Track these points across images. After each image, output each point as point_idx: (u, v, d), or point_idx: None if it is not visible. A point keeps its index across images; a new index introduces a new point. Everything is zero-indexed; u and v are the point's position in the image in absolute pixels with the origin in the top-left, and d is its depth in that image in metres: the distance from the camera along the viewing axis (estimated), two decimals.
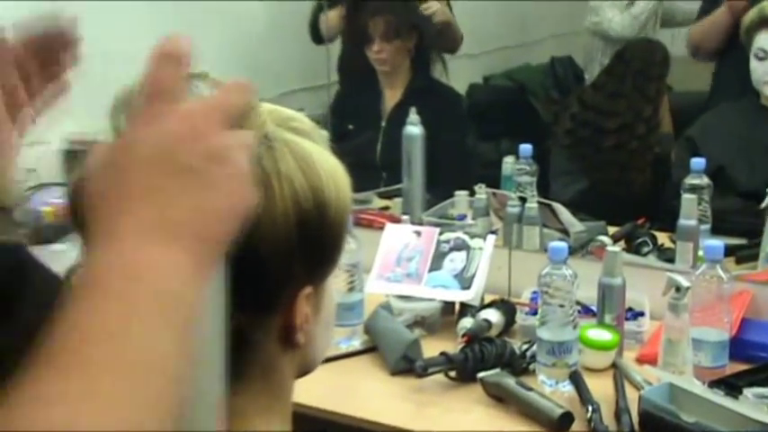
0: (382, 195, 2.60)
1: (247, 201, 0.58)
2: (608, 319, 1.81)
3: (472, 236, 2.07)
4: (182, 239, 0.55)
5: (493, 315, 1.93)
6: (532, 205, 2.26)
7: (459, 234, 2.08)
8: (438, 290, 2.01)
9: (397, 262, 2.06)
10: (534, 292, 2.05)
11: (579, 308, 1.90)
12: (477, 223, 2.37)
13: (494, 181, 2.51)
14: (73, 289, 0.53)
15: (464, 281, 2.01)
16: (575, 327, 1.70)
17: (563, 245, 1.71)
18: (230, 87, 0.60)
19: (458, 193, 2.51)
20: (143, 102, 0.58)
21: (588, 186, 2.64)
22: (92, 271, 0.54)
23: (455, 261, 2.04)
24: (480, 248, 2.04)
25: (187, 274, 0.55)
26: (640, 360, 1.82)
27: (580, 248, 2.24)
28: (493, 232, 2.25)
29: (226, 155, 0.57)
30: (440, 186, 2.54)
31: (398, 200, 2.49)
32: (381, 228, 2.15)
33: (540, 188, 2.38)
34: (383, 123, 2.80)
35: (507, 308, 1.98)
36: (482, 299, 2.02)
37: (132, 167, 0.56)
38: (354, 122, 2.79)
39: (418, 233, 2.11)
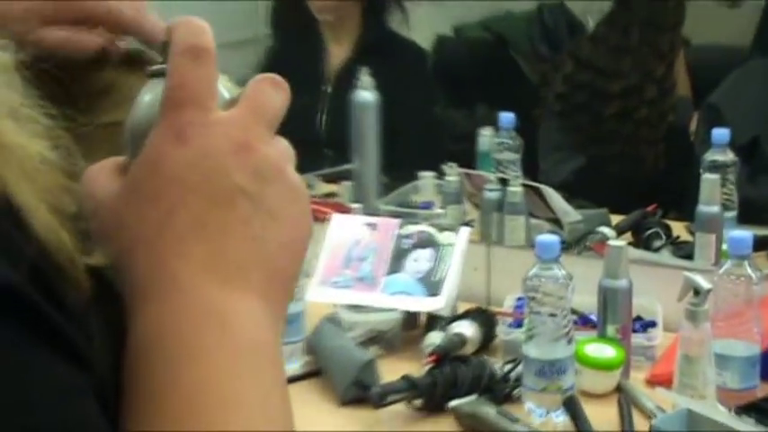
0: (327, 178, 2.61)
1: (309, 223, 0.62)
2: (611, 331, 1.83)
3: (441, 229, 2.09)
4: (248, 280, 0.58)
5: (467, 328, 1.94)
6: (516, 189, 2.28)
7: (425, 227, 2.09)
8: (398, 297, 2.02)
9: (345, 263, 2.07)
10: (519, 299, 2.06)
11: (575, 318, 1.92)
12: (447, 213, 2.39)
13: (468, 159, 2.53)
14: (145, 341, 0.56)
15: (431, 286, 2.02)
16: (570, 341, 1.71)
17: (554, 239, 1.72)
18: (262, 84, 0.62)
19: (422, 174, 2.52)
20: (167, 112, 0.58)
21: (586, 165, 2.67)
22: (168, 324, 0.56)
23: (420, 261, 2.05)
24: (451, 245, 2.05)
25: (265, 320, 0.58)
26: (651, 381, 1.85)
27: (576, 243, 2.27)
28: (467, 224, 2.27)
29: (277, 170, 0.60)
30: (399, 167, 2.54)
31: (347, 184, 2.49)
32: (326, 220, 2.15)
33: (525, 167, 2.40)
34: (327, 88, 2.80)
35: (485, 319, 1.99)
36: (454, 308, 2.03)
37: (170, 198, 0.57)
38: (291, 87, 2.79)
39: (372, 226, 2.11)
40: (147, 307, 0.56)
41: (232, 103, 0.61)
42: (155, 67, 0.62)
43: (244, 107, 0.60)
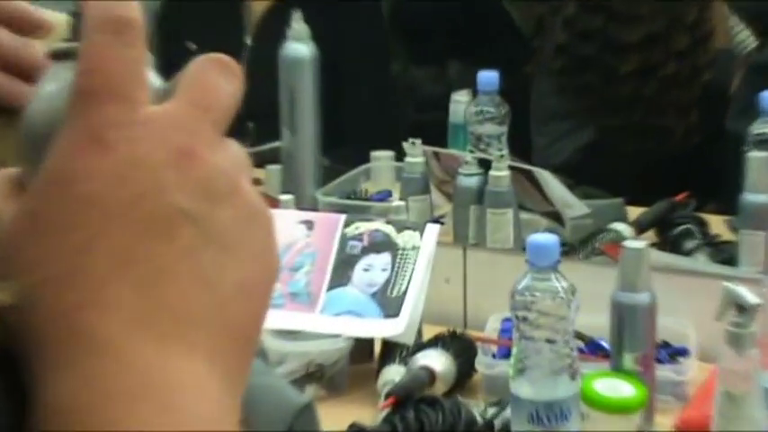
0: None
1: (275, 255, 0.61)
2: (628, 361, 1.85)
3: (401, 227, 2.09)
4: (193, 336, 0.57)
5: (437, 360, 1.95)
6: (502, 174, 2.29)
7: (379, 225, 2.10)
8: (344, 319, 2.03)
9: None
10: (506, 320, 2.07)
11: (581, 344, 1.94)
12: (409, 206, 2.38)
13: (436, 133, 2.55)
14: (58, 418, 0.54)
15: (388, 303, 2.03)
16: (573, 376, 1.72)
17: (552, 239, 1.72)
18: (207, 67, 0.61)
19: (376, 155, 2.55)
20: (80, 108, 0.57)
21: (595, 140, 2.69)
22: (86, 396, 0.55)
23: (372, 270, 2.06)
24: (414, 248, 2.06)
25: (216, 390, 0.58)
26: (682, 428, 1.86)
27: (582, 245, 2.29)
28: (436, 221, 2.29)
29: (231, 185, 0.59)
30: (345, 145, 2.59)
31: (274, 168, 2.51)
32: None
33: (513, 144, 2.42)
34: (247, 40, 2.82)
35: (461, 347, 2.00)
36: (419, 333, 2.03)
37: (87, 225, 0.55)
38: (198, 39, 2.78)
39: (309, 225, 2.12)
40: (60, 372, 0.55)
41: (166, 94, 0.60)
42: (59, 46, 0.60)
43: (184, 100, 0.59)
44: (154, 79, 0.60)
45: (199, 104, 0.59)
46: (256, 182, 2.50)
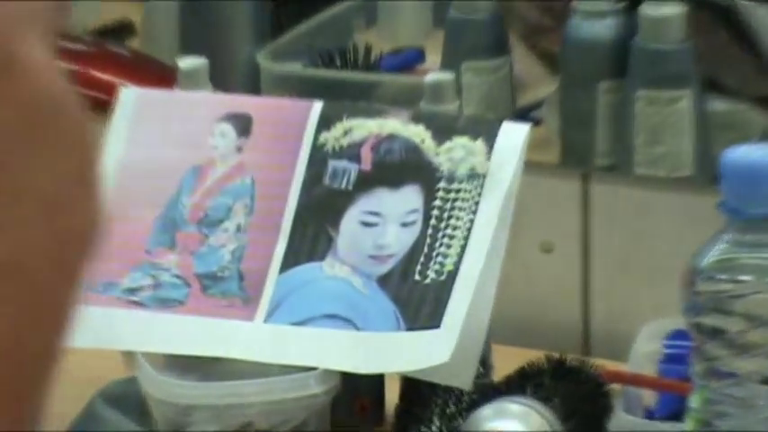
0: None
1: (92, 202, 0.71)
2: None
3: (445, 131, 2.07)
4: None
5: (524, 420, 1.94)
6: (667, 11, 2.28)
7: (398, 124, 2.09)
8: (319, 334, 2.02)
9: (161, 233, 2.08)
10: (676, 336, 2.09)
11: None
12: (465, 81, 2.41)
13: None
14: None
15: (416, 298, 2.01)
16: None
17: None
18: None
19: None
20: None
21: None
22: None
23: (384, 224, 2.06)
24: (476, 176, 2.04)
25: None
26: None
27: None
28: (525, 115, 2.32)
29: (34, 105, 0.62)
30: None
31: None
32: (107, 108, 2.18)
33: None
34: None
35: (578, 394, 2.00)
36: (484, 363, 2.02)
37: None
38: None
39: (242, 123, 2.11)
40: None
41: None
42: None
43: None
44: None
45: None
46: (122, 29, 2.48)
